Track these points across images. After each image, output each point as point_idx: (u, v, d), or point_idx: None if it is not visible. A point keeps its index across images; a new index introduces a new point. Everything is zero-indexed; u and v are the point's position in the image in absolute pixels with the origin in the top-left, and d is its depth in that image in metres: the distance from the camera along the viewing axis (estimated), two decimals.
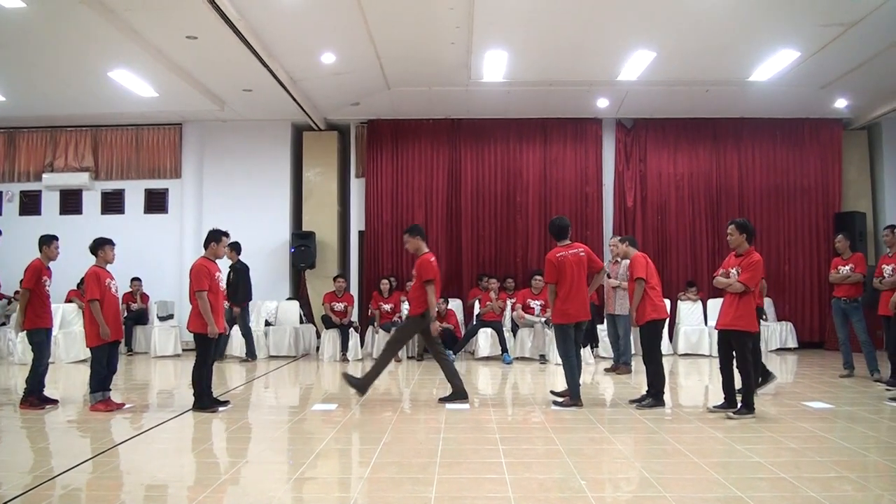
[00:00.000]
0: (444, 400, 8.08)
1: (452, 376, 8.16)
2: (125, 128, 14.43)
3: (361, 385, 8.22)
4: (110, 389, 8.00)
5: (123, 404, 7.98)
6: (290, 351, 12.82)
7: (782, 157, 14.05)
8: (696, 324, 12.80)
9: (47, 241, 8.22)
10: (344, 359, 12.19)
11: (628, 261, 10.52)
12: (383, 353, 8.38)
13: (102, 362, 7.81)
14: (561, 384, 8.48)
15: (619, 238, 8.57)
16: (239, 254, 12.40)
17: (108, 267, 8.10)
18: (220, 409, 7.70)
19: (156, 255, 14.18)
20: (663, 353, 8.45)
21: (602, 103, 13.28)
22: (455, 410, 7.63)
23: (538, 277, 12.42)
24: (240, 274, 12.24)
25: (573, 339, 7.82)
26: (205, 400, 7.68)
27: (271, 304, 13.51)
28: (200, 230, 14.00)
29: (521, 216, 14.00)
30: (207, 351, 7.76)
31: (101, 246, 8.02)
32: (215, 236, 7.97)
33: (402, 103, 13.50)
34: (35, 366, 7.98)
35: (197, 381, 7.69)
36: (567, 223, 8.05)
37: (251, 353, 12.24)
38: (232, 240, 8.43)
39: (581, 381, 7.99)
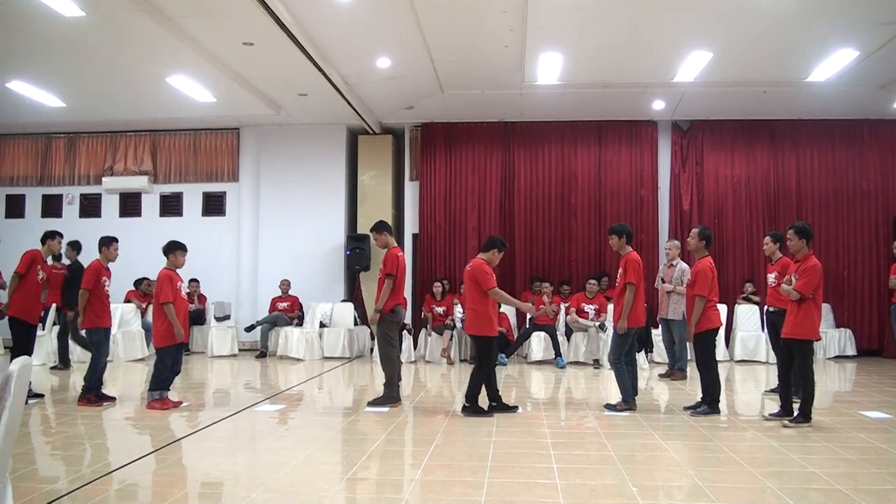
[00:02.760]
0: (371, 403, 8.08)
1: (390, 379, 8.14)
2: (183, 132, 14.74)
3: (388, 398, 8.11)
4: (169, 389, 8.19)
5: (180, 402, 8.15)
6: (344, 352, 12.92)
7: (841, 159, 13.70)
8: (752, 329, 12.55)
9: (107, 243, 8.44)
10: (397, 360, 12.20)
11: (683, 265, 10.47)
12: (384, 360, 8.20)
13: (167, 363, 7.96)
14: (615, 391, 8.41)
15: (695, 230, 8.14)
16: (78, 253, 11.13)
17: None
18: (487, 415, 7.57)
19: (213, 257, 14.42)
20: (719, 359, 8.32)
21: (658, 105, 13.13)
22: (507, 415, 7.61)
23: (592, 281, 12.35)
24: (76, 274, 10.69)
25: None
26: (477, 405, 7.64)
27: (326, 305, 13.62)
28: (257, 233, 14.25)
29: (575, 219, 13.91)
30: (490, 354, 7.73)
31: (173, 250, 8.19)
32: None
33: (456, 107, 13.53)
34: (93, 364, 8.18)
35: (477, 386, 7.63)
36: None
37: (65, 361, 11.45)
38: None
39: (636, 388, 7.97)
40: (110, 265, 8.53)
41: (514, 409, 7.76)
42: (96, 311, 8.22)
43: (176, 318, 7.85)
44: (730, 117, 13.68)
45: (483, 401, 7.66)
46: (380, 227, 8.46)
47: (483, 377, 7.65)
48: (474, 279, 7.59)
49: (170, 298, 7.88)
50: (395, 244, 8.42)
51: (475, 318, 7.61)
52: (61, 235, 8.79)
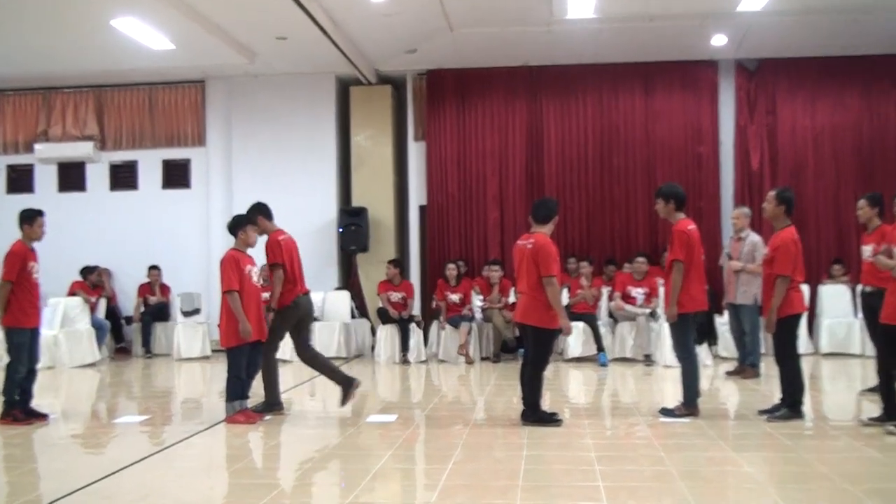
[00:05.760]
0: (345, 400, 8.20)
1: (332, 373, 8.29)
2: (136, 87, 14.69)
3: (268, 405, 8.24)
4: (248, 397, 8.05)
5: (264, 415, 8.05)
6: (340, 351, 12.92)
7: None
8: (842, 315, 12.45)
9: (29, 219, 8.10)
10: (405, 360, 12.28)
11: (754, 237, 10.38)
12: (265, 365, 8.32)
13: (241, 365, 7.84)
14: (672, 392, 8.37)
15: (772, 192, 7.97)
16: None
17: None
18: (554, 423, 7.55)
19: (177, 238, 14.42)
20: (801, 352, 8.25)
21: (718, 41, 13.02)
22: (542, 427, 7.57)
23: (641, 259, 12.27)
24: None
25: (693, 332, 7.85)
26: (544, 413, 7.61)
27: (317, 295, 13.48)
28: (230, 207, 14.13)
29: (618, 184, 13.84)
30: (548, 350, 7.75)
31: (241, 225, 8.08)
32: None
33: (469, 49, 13.42)
34: (10, 372, 7.91)
35: (536, 390, 7.59)
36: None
37: None
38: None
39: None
40: (52, 252, 8.42)
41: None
42: (23, 306, 7.93)
43: (242, 310, 7.67)
44: (810, 54, 13.52)
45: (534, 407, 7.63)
46: (253, 211, 8.48)
47: (541, 375, 7.59)
48: (535, 259, 7.51)
49: (234, 286, 7.72)
50: (276, 227, 8.47)
51: (533, 305, 7.48)
52: None
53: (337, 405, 8.10)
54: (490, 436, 7.20)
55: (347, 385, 8.18)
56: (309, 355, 8.42)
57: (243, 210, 8.46)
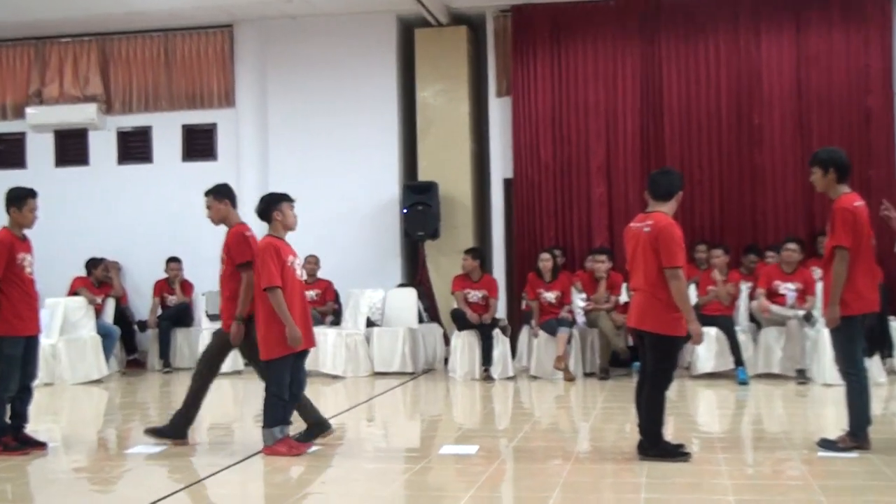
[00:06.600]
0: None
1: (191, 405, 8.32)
2: (148, 35, 14.93)
3: (173, 431, 8.26)
4: (291, 423, 8.01)
5: (311, 444, 8.03)
6: (405, 365, 13.00)
7: None
8: None
9: (17, 200, 8.08)
10: (487, 376, 12.27)
11: None
12: (195, 378, 8.43)
13: (283, 382, 7.78)
14: (834, 419, 8.25)
15: None
16: None
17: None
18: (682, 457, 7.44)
19: (201, 223, 14.50)
20: None
21: None
22: (663, 463, 7.53)
23: (792, 246, 12.09)
24: None
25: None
26: (668, 445, 7.49)
27: (375, 293, 13.62)
28: (266, 184, 14.28)
29: (760, 149, 13.69)
30: (672, 362, 7.64)
31: (275, 205, 7.96)
32: None
33: None
34: None
35: (657, 414, 7.47)
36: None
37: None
38: (299, 198, 8.35)
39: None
40: (46, 240, 8.51)
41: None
42: (18, 309, 7.93)
43: (288, 311, 7.58)
44: None
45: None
46: (220, 191, 8.47)
47: (663, 396, 7.46)
48: (654, 246, 7.44)
49: (276, 282, 7.61)
50: (240, 218, 8.43)
51: (652, 305, 7.39)
52: None
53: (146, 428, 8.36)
54: (597, 473, 7.16)
55: (178, 433, 8.23)
56: (207, 369, 8.49)
57: (281, 186, 8.44)
